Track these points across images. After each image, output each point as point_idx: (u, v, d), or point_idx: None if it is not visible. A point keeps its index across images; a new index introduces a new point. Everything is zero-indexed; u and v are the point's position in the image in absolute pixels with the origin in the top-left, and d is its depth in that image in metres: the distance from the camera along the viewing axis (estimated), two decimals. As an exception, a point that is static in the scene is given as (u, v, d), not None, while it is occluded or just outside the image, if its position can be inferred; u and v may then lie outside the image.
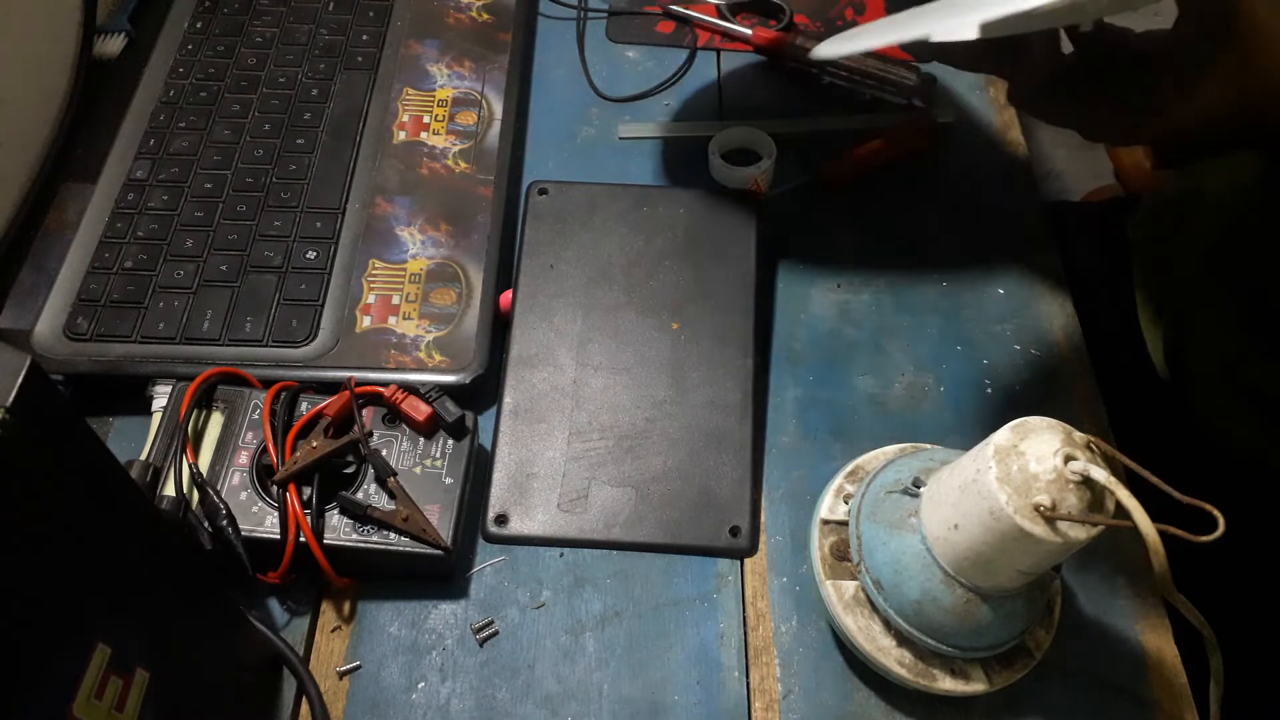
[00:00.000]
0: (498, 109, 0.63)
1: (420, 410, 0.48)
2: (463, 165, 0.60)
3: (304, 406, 0.49)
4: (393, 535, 0.45)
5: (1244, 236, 0.60)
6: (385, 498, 0.46)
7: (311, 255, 0.56)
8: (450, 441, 0.48)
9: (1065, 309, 0.57)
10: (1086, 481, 0.34)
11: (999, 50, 0.46)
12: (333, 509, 0.46)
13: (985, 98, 0.67)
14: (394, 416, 0.49)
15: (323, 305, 0.54)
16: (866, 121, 0.64)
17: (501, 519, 0.49)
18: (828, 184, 0.62)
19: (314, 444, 0.46)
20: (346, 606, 0.47)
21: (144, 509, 0.37)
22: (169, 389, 0.50)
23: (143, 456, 0.47)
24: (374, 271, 0.56)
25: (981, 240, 0.60)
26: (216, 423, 0.49)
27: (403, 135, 0.62)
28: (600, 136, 0.65)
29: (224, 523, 0.44)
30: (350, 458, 0.47)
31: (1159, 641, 0.47)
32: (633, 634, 0.47)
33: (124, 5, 0.67)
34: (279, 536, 0.45)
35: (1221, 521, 0.32)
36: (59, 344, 0.53)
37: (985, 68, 0.49)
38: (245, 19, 0.67)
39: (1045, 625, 0.43)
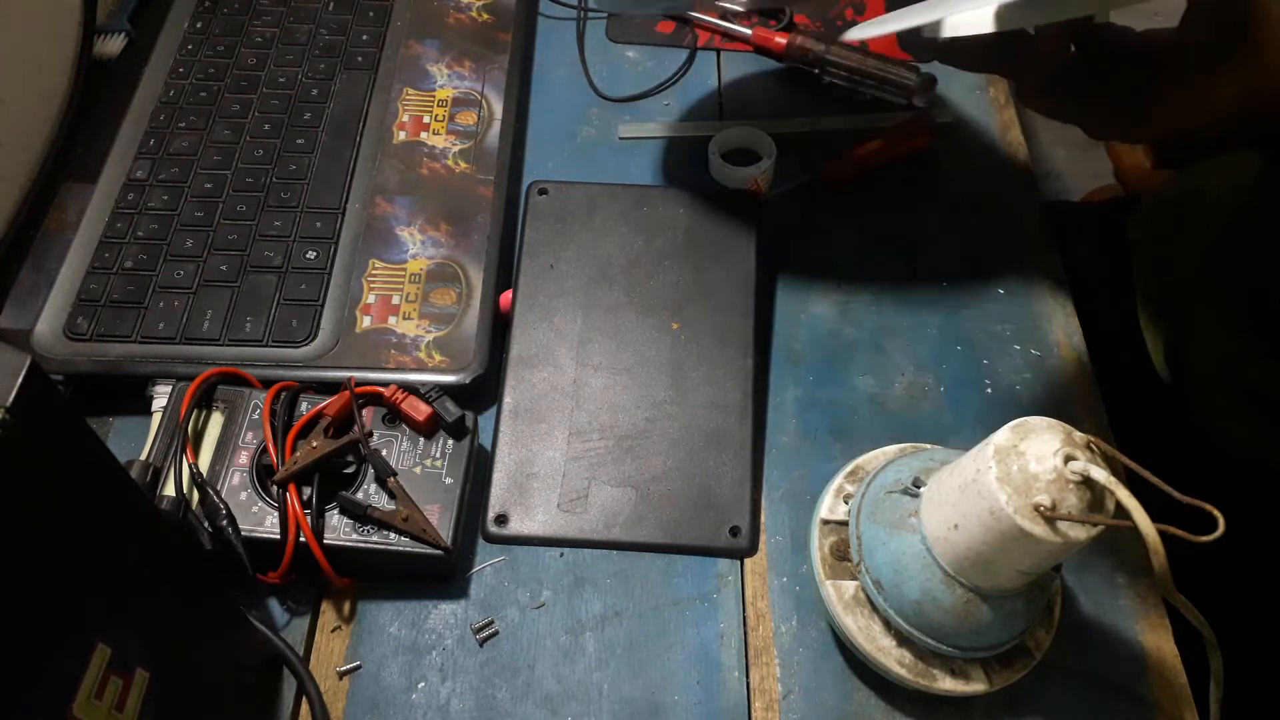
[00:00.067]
0: (498, 109, 0.63)
1: (420, 410, 0.48)
2: (463, 165, 0.60)
3: (304, 406, 0.49)
4: (393, 535, 0.45)
5: (1244, 236, 0.60)
6: (385, 498, 0.46)
7: (311, 255, 0.56)
8: (450, 441, 0.48)
9: (1065, 309, 0.57)
10: (1086, 481, 0.34)
11: (1004, 49, 0.46)
12: (333, 509, 0.46)
13: (985, 98, 0.67)
14: (394, 416, 0.49)
15: (323, 305, 0.54)
16: (866, 121, 0.64)
17: (501, 519, 0.49)
18: (828, 184, 0.62)
19: (314, 444, 0.46)
20: (346, 606, 0.47)
21: (144, 509, 0.37)
22: (169, 389, 0.50)
23: (143, 456, 0.47)
24: (374, 271, 0.56)
25: (981, 240, 0.60)
26: (216, 423, 0.49)
27: (403, 135, 0.62)
28: (600, 136, 0.65)
29: (224, 523, 0.44)
30: (350, 458, 0.47)
31: (1159, 641, 0.47)
32: (633, 634, 0.47)
33: (124, 5, 0.67)
34: (279, 536, 0.45)
35: (1221, 521, 0.32)
36: (59, 344, 0.53)
37: (989, 67, 0.49)
38: (245, 19, 0.67)
39: (1045, 625, 0.43)
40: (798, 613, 0.47)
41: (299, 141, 0.61)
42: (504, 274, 0.56)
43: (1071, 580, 0.48)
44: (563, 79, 0.68)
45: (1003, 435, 0.36)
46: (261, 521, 0.45)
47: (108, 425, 0.52)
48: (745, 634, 0.47)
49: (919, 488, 0.41)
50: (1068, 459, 0.34)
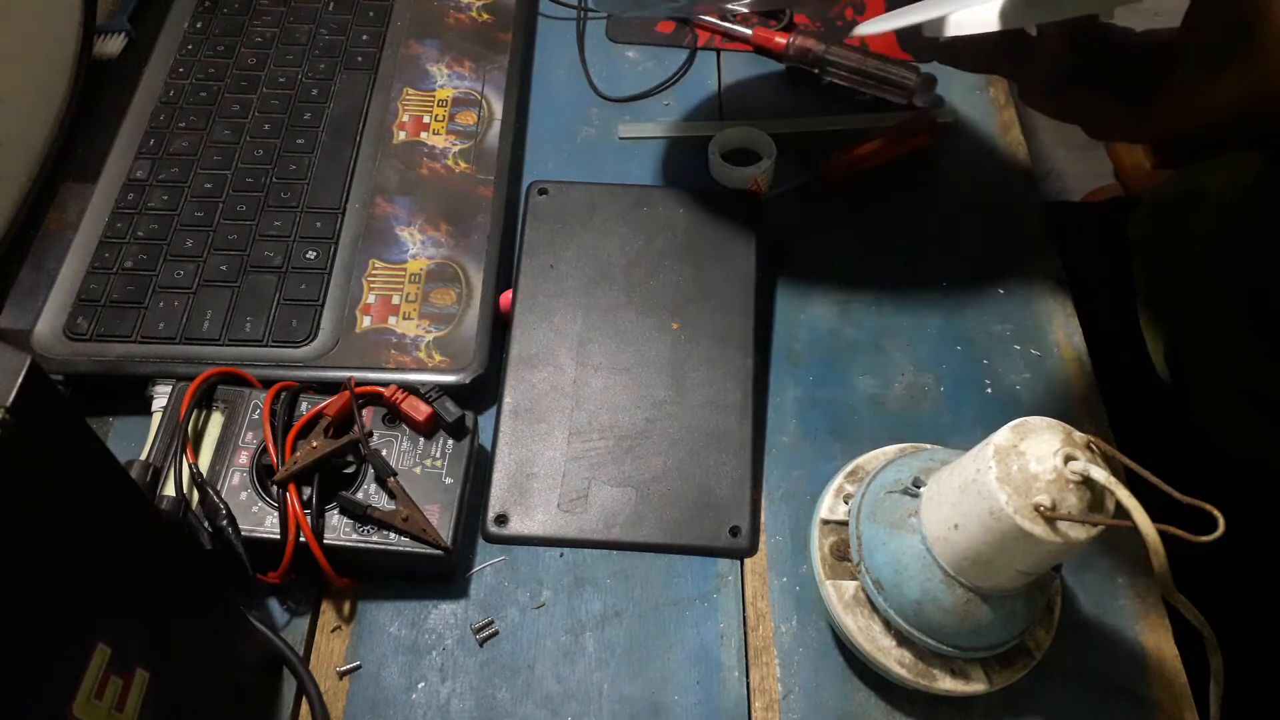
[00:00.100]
0: (498, 109, 0.63)
1: (420, 410, 0.48)
2: (463, 165, 0.60)
3: (304, 406, 0.49)
4: (393, 535, 0.45)
5: (1244, 236, 0.60)
6: (385, 498, 0.46)
7: (311, 255, 0.56)
8: (450, 441, 0.48)
9: (1065, 309, 0.57)
10: (1086, 481, 0.34)
11: (1004, 49, 0.46)
12: (333, 509, 0.46)
13: (985, 98, 0.67)
14: (394, 416, 0.49)
15: (323, 305, 0.54)
16: (866, 121, 0.64)
17: (501, 519, 0.49)
18: (828, 184, 0.62)
19: (314, 444, 0.46)
20: (346, 606, 0.47)
21: (144, 509, 0.37)
22: (169, 389, 0.50)
23: (143, 456, 0.47)
24: (374, 271, 0.56)
25: (981, 240, 0.60)
26: (216, 423, 0.49)
27: (403, 135, 0.62)
28: (600, 136, 0.65)
29: (224, 523, 0.44)
30: (350, 458, 0.47)
31: (1159, 641, 0.47)
32: (633, 634, 0.47)
33: (124, 5, 0.67)
34: (279, 536, 0.45)
35: (1221, 521, 0.32)
36: (59, 344, 0.53)
37: (989, 68, 0.49)
38: (245, 19, 0.67)
39: (1045, 625, 0.43)
40: (798, 613, 0.47)
41: (299, 141, 0.61)
42: (504, 274, 0.56)
43: (1071, 580, 0.48)
44: (563, 79, 0.68)
45: (1003, 435, 0.36)
46: (261, 521, 0.45)
47: (108, 425, 0.52)
48: (745, 634, 0.47)
49: (919, 488, 0.41)
50: (1068, 459, 0.34)
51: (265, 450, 0.46)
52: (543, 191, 0.59)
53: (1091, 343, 0.56)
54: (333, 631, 0.47)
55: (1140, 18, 0.46)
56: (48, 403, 0.26)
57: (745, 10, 0.68)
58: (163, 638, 0.34)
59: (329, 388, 0.50)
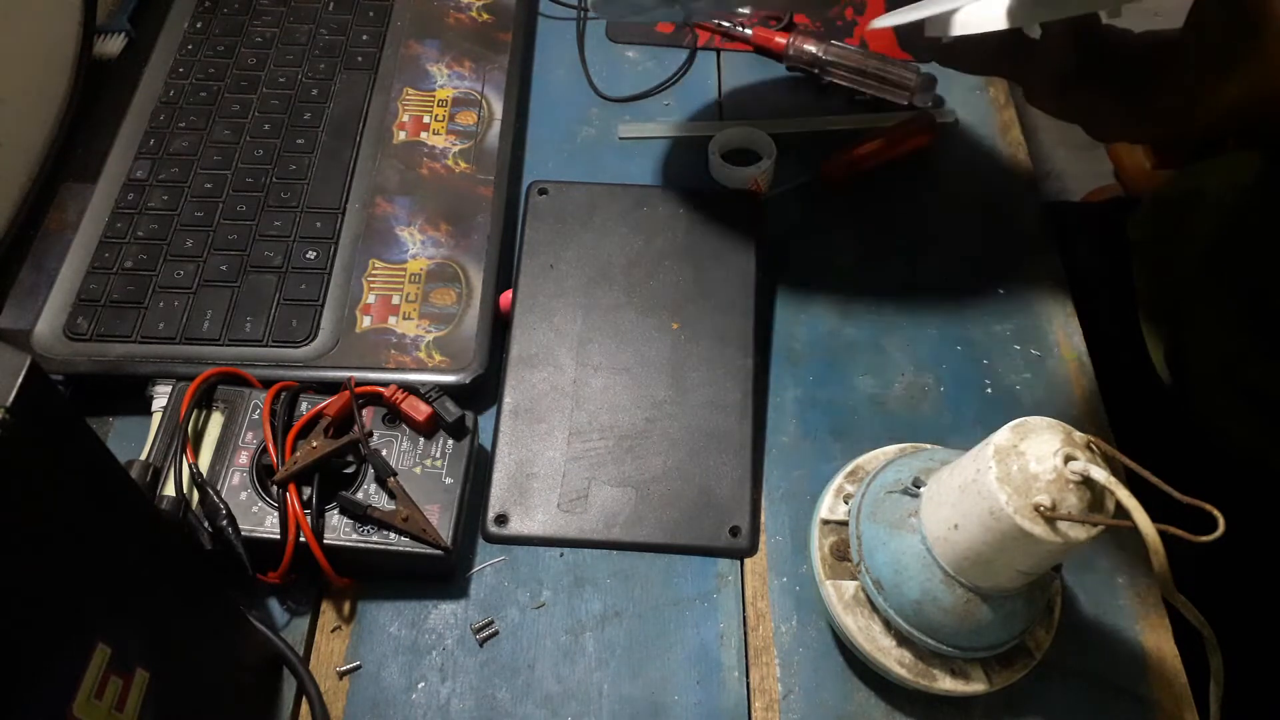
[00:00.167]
0: (498, 109, 0.63)
1: (420, 410, 0.48)
2: (463, 165, 0.60)
3: (304, 406, 0.49)
4: (393, 535, 0.45)
5: (1244, 236, 0.60)
6: (385, 498, 0.46)
7: (311, 255, 0.56)
8: (450, 441, 0.48)
9: (1065, 309, 0.57)
10: (1086, 481, 0.34)
11: (1004, 51, 0.46)
12: (333, 509, 0.46)
13: (985, 98, 0.67)
14: (394, 416, 0.49)
15: (323, 305, 0.54)
16: (866, 121, 0.64)
17: (501, 519, 0.49)
18: (828, 184, 0.62)
19: (314, 444, 0.46)
20: (346, 606, 0.47)
21: (144, 509, 0.37)
22: (169, 389, 0.50)
23: (143, 456, 0.47)
24: (374, 271, 0.56)
25: (981, 240, 0.60)
26: (216, 423, 0.49)
27: (403, 135, 0.62)
28: (600, 136, 0.65)
29: (224, 523, 0.44)
30: (350, 458, 0.47)
31: (1159, 641, 0.47)
32: (633, 634, 0.47)
33: (124, 5, 0.67)
34: (279, 536, 0.45)
35: (1221, 521, 0.32)
36: (59, 344, 0.53)
37: (990, 70, 0.49)
38: (245, 19, 0.67)
39: (1045, 625, 0.43)
40: (798, 613, 0.47)
41: (299, 141, 0.61)
42: (504, 274, 0.56)
43: (1071, 580, 0.48)
44: (563, 79, 0.68)
45: (1003, 435, 0.36)
46: (261, 521, 0.45)
47: (108, 425, 0.52)
48: (745, 634, 0.47)
49: (919, 488, 0.41)
50: (1068, 459, 0.34)
51: (265, 450, 0.46)
52: (543, 191, 0.59)
53: (1091, 343, 0.56)
54: (333, 631, 0.47)
55: (1140, 18, 0.46)
56: (48, 403, 0.26)
57: (746, 13, 0.68)
58: (163, 638, 0.34)
59: (329, 388, 0.50)
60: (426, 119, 0.62)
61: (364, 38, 0.66)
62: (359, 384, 0.48)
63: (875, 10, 0.71)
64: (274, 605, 0.47)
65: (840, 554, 0.45)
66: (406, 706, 0.45)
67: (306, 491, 0.46)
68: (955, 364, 0.55)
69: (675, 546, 0.49)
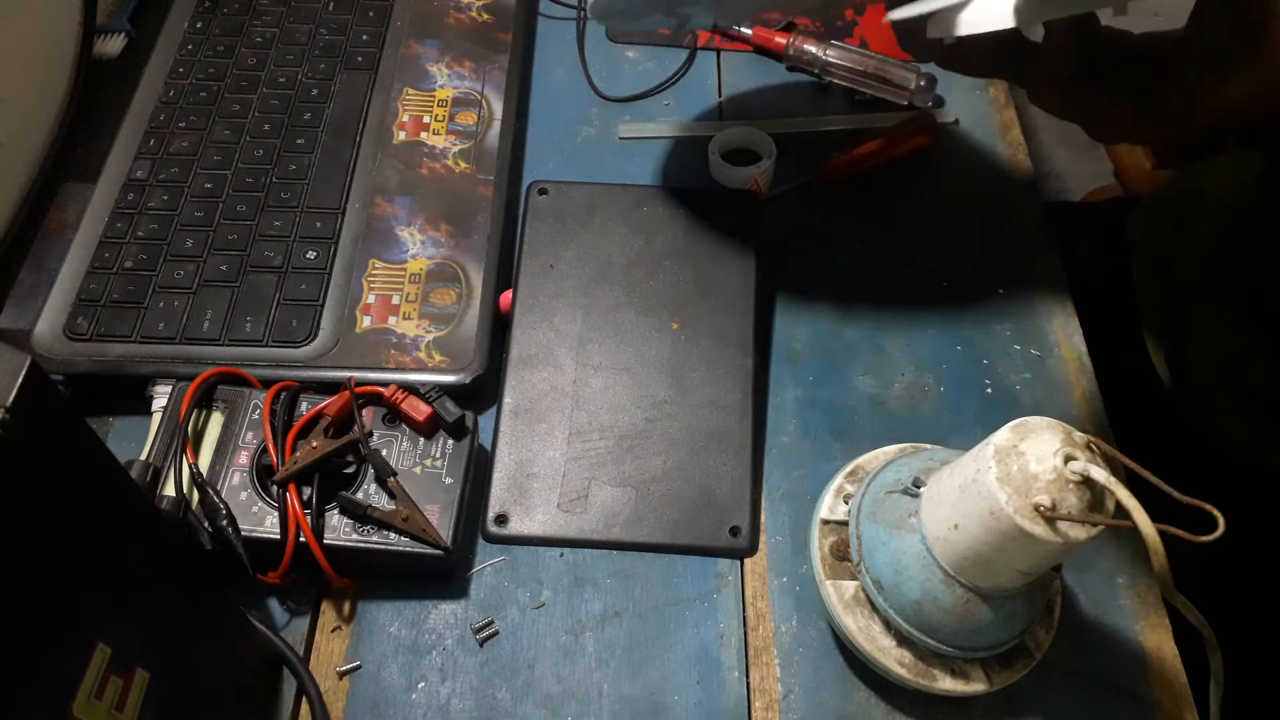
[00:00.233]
0: (498, 109, 0.63)
1: (420, 410, 0.48)
2: (463, 165, 0.60)
3: (304, 406, 0.49)
4: (393, 535, 0.45)
5: (1244, 236, 0.60)
6: (385, 498, 0.46)
7: (311, 255, 0.56)
8: (450, 441, 0.48)
9: (1065, 309, 0.57)
10: (1086, 481, 0.34)
11: (1006, 53, 0.46)
12: (333, 509, 0.46)
13: (985, 98, 0.67)
14: (394, 416, 0.49)
15: (323, 305, 0.54)
16: (866, 121, 0.64)
17: (501, 519, 0.49)
18: (828, 184, 0.62)
19: (314, 444, 0.46)
20: (346, 606, 0.47)
21: (144, 509, 0.37)
22: (169, 389, 0.50)
23: (143, 456, 0.47)
24: (374, 271, 0.56)
25: (981, 240, 0.60)
26: (216, 423, 0.49)
27: (403, 135, 0.62)
28: (600, 136, 0.65)
29: (224, 523, 0.44)
30: (350, 458, 0.47)
31: (1159, 641, 0.47)
32: (633, 634, 0.47)
33: (124, 5, 0.67)
34: (279, 536, 0.45)
35: (1221, 521, 0.32)
36: (59, 344, 0.53)
37: (990, 71, 0.49)
38: (245, 19, 0.67)
39: (1045, 625, 0.43)
40: (798, 613, 0.47)
41: (299, 141, 0.61)
42: (504, 274, 0.56)
43: (1071, 580, 0.48)
44: (563, 79, 0.68)
45: (1003, 435, 0.36)
46: (261, 521, 0.45)
47: (108, 425, 0.52)
48: (745, 634, 0.47)
49: (919, 488, 0.41)
50: (1068, 459, 0.34)
51: (265, 450, 0.46)
52: (543, 191, 0.59)
53: (1091, 342, 0.56)
54: (333, 631, 0.47)
55: (1140, 18, 0.46)
56: (48, 403, 0.26)
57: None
58: (163, 638, 0.34)
59: (329, 388, 0.50)
60: (426, 119, 0.62)
61: (364, 38, 0.66)
62: (359, 384, 0.48)
63: (876, 11, 0.71)
64: (274, 605, 0.47)
65: (840, 554, 0.45)
66: (406, 706, 0.45)
67: (306, 491, 0.46)
68: (955, 364, 0.55)
69: (675, 546, 0.49)
